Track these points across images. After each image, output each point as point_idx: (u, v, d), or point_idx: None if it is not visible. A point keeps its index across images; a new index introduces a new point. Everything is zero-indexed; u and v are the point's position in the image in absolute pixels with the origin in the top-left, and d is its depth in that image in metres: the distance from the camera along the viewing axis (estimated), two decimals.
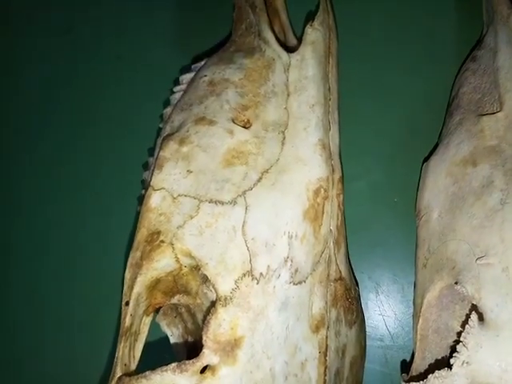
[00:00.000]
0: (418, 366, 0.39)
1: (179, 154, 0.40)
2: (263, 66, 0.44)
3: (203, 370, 0.33)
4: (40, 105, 0.58)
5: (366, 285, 0.48)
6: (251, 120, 0.41)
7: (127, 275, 0.38)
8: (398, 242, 0.48)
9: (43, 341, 0.53)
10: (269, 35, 0.45)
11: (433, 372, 0.35)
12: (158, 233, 0.38)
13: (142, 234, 0.39)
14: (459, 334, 0.37)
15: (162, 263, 0.38)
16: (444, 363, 0.38)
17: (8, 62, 0.60)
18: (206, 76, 0.44)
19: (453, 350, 0.37)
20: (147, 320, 0.40)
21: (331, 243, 0.40)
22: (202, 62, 0.48)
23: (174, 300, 0.41)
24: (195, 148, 0.40)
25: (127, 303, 0.37)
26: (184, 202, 0.38)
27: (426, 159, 0.45)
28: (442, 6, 0.52)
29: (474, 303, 0.35)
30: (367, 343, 0.47)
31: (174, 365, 0.33)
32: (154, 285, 0.39)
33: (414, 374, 0.39)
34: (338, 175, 0.43)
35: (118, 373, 0.36)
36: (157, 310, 0.42)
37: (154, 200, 0.39)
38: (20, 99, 0.59)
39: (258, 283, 0.35)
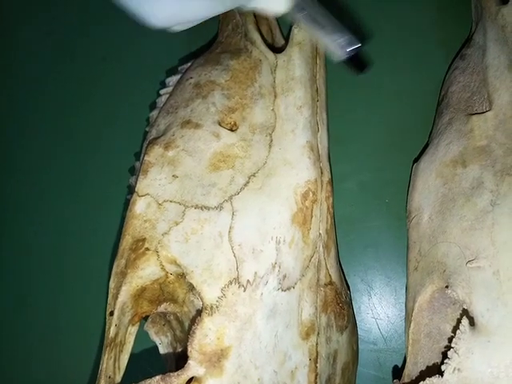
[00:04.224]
0: (410, 371, 0.39)
1: (164, 158, 0.39)
2: (250, 67, 0.43)
3: (189, 382, 0.32)
4: (24, 107, 0.57)
5: (359, 288, 0.48)
6: (238, 123, 0.40)
7: (111, 284, 0.38)
8: (391, 243, 0.48)
9: (26, 351, 0.52)
10: (255, 36, 0.44)
11: (424, 379, 0.34)
12: (143, 240, 0.38)
13: (126, 241, 0.38)
14: (451, 338, 0.37)
15: (147, 271, 0.37)
16: (436, 368, 0.37)
17: None
18: (191, 78, 0.44)
19: (445, 355, 0.37)
20: (133, 330, 0.39)
21: (321, 247, 0.40)
22: (189, 64, 0.47)
23: (161, 308, 0.40)
24: (181, 152, 0.39)
25: (111, 313, 0.37)
26: (169, 207, 0.38)
27: (417, 159, 0.44)
28: (429, 4, 0.51)
29: (465, 307, 0.34)
30: (360, 347, 0.46)
31: (158, 377, 0.32)
32: (140, 293, 0.38)
33: (406, 380, 0.38)
34: (326, 177, 0.42)
35: None
36: (144, 319, 0.42)
37: (139, 206, 0.39)
38: (3, 101, 0.58)
39: (244, 290, 0.34)
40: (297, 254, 0.37)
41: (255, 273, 0.35)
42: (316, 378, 0.37)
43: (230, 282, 0.34)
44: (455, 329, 0.38)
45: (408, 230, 0.43)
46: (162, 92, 0.47)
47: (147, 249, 0.37)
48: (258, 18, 0.47)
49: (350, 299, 0.45)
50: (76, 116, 0.56)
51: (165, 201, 0.38)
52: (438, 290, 0.38)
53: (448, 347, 0.36)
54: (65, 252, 0.53)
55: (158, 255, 0.36)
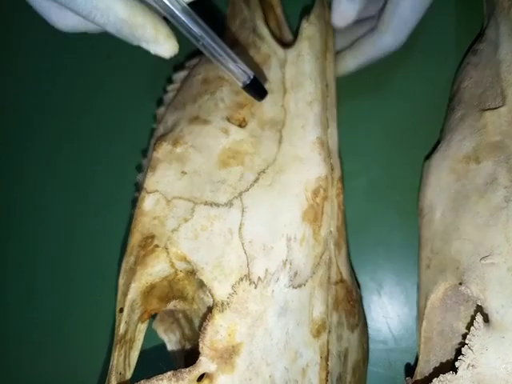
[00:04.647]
0: (423, 369, 0.38)
1: (173, 155, 0.39)
2: (258, 62, 0.43)
3: (200, 379, 0.32)
4: (29, 105, 0.57)
5: (369, 286, 0.47)
6: (247, 119, 0.40)
7: (121, 281, 0.37)
8: (401, 241, 0.47)
9: (35, 350, 0.52)
10: (264, 31, 0.44)
11: (437, 376, 0.34)
12: (152, 237, 0.37)
13: (135, 238, 0.38)
14: (464, 335, 0.37)
15: (156, 268, 0.37)
16: (449, 366, 0.37)
17: None
18: (199, 74, 0.43)
19: (458, 352, 0.36)
20: (142, 327, 0.39)
21: (331, 245, 0.39)
22: (196, 60, 0.47)
23: (170, 306, 0.40)
24: (189, 148, 0.39)
25: (121, 310, 0.36)
26: (178, 204, 0.37)
27: (428, 156, 0.44)
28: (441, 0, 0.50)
29: (479, 304, 0.34)
30: (370, 346, 0.46)
31: (169, 373, 0.32)
32: (149, 290, 0.37)
33: (419, 377, 0.38)
34: (337, 174, 0.42)
35: (113, 382, 0.35)
36: (152, 317, 0.41)
37: (148, 203, 0.38)
38: (8, 100, 0.58)
39: (255, 287, 0.34)
40: (308, 251, 0.37)
41: (266, 270, 0.35)
42: (327, 376, 0.36)
43: (241, 279, 0.34)
44: (468, 326, 0.38)
45: (420, 227, 0.42)
46: (169, 88, 0.47)
47: (156, 246, 0.37)
48: (266, 13, 0.47)
49: (361, 297, 0.45)
50: (82, 113, 0.56)
51: (174, 197, 0.38)
52: (451, 287, 0.37)
53: (461, 345, 0.36)
54: (73, 250, 0.53)
55: (168, 252, 0.36)
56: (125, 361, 0.36)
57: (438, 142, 0.43)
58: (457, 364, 0.33)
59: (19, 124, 0.57)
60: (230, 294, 0.34)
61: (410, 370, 0.44)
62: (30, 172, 0.56)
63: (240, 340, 0.33)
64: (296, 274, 0.36)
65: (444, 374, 0.33)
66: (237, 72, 0.34)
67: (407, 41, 0.45)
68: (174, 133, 0.40)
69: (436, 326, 0.39)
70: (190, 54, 0.51)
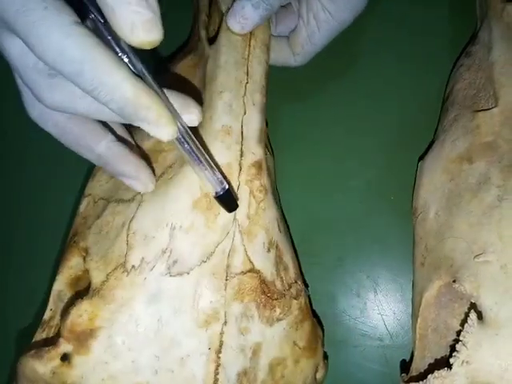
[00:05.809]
0: (418, 365, 0.39)
1: None
2: (193, 64, 0.44)
3: (65, 359, 0.34)
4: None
5: (365, 284, 0.48)
6: None
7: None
8: (396, 240, 0.48)
9: None
10: (202, 33, 0.45)
11: (432, 372, 0.34)
12: (75, 234, 0.40)
13: (68, 237, 0.41)
14: (458, 332, 0.37)
15: (73, 262, 0.39)
16: (443, 362, 0.38)
17: None
18: None
19: (452, 349, 0.37)
20: None
21: (236, 233, 0.38)
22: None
23: None
24: None
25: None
26: (100, 204, 0.40)
27: (422, 157, 0.44)
28: (434, 2, 0.51)
29: (473, 301, 0.35)
30: (366, 343, 0.47)
31: (33, 351, 0.35)
32: (76, 282, 0.40)
33: (414, 373, 0.38)
34: (250, 160, 0.40)
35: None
36: None
37: (82, 206, 0.42)
38: (9, 99, 0.57)
39: (127, 275, 0.35)
40: (195, 239, 0.37)
41: (142, 258, 0.36)
42: (217, 369, 0.36)
43: (116, 268, 0.36)
44: (462, 323, 0.38)
45: (414, 226, 0.43)
46: None
47: (75, 242, 0.40)
48: (211, 13, 0.47)
49: (305, 292, 0.43)
50: None
51: (99, 199, 0.41)
52: (445, 284, 0.38)
53: (455, 341, 0.37)
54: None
55: (78, 247, 0.39)
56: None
57: (432, 143, 0.44)
58: (451, 360, 0.34)
59: (15, 123, 0.56)
60: (102, 282, 0.35)
61: (405, 366, 0.45)
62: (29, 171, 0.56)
63: (99, 324, 0.34)
64: (176, 262, 0.36)
65: (439, 370, 0.34)
66: (212, 180, 0.35)
67: (402, 43, 0.46)
68: None
69: (431, 323, 0.39)
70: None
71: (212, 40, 0.44)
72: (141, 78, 0.29)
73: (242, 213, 0.38)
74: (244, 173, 0.39)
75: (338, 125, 0.48)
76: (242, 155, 0.39)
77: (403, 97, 0.50)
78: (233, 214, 0.38)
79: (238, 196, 0.38)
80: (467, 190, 0.38)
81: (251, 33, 0.43)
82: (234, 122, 0.40)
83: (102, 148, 0.35)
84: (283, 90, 0.51)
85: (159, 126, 0.29)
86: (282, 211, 0.47)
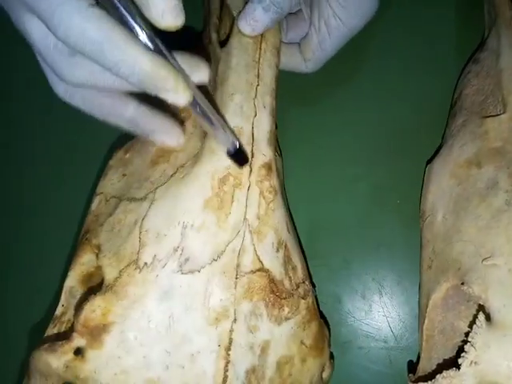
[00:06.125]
0: (424, 366, 0.39)
1: (122, 161, 0.44)
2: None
3: (79, 353, 0.34)
4: (23, 102, 0.56)
5: (370, 286, 0.48)
6: (185, 120, 0.42)
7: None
8: (402, 243, 0.48)
9: None
10: (213, 36, 0.45)
11: (440, 372, 0.35)
12: (87, 232, 0.41)
13: (80, 234, 0.42)
14: (465, 334, 0.38)
15: (85, 258, 0.40)
16: (450, 364, 0.38)
17: None
18: None
19: (459, 350, 0.37)
20: None
21: (246, 232, 0.39)
22: None
23: None
24: (135, 153, 0.43)
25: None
26: (112, 202, 0.41)
27: (430, 161, 0.45)
28: (443, 9, 0.52)
29: (481, 304, 0.35)
30: (371, 344, 0.47)
31: (47, 345, 0.35)
32: (88, 279, 0.40)
33: (421, 374, 0.39)
34: (260, 161, 0.40)
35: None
36: None
37: (94, 204, 0.43)
38: (6, 98, 0.58)
39: (140, 272, 0.36)
40: (206, 238, 0.37)
41: (154, 256, 0.36)
42: (227, 366, 0.37)
43: (129, 265, 0.36)
44: (469, 325, 0.38)
45: (421, 229, 0.43)
46: None
47: (87, 239, 0.40)
48: (222, 17, 0.48)
49: (313, 292, 0.43)
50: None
51: (111, 197, 0.42)
52: (453, 287, 0.38)
53: (462, 343, 0.37)
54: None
55: (91, 244, 0.39)
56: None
57: (440, 147, 0.45)
58: (460, 361, 0.34)
59: (15, 123, 0.56)
60: (115, 278, 0.36)
61: (412, 366, 0.45)
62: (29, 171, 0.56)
63: (112, 320, 0.35)
64: (187, 260, 0.36)
65: (447, 370, 0.34)
66: (224, 139, 0.36)
67: (410, 49, 0.46)
68: (131, 142, 0.45)
69: (437, 324, 0.40)
70: None
71: (223, 43, 0.44)
72: (157, 47, 0.31)
73: (252, 213, 0.39)
74: (254, 174, 0.40)
75: (345, 129, 0.48)
76: (252, 156, 0.40)
77: (411, 102, 0.51)
78: (243, 214, 0.38)
79: (249, 197, 0.39)
80: (475, 194, 0.39)
81: (262, 36, 0.43)
82: (245, 124, 0.40)
83: (130, 111, 0.36)
84: (292, 94, 0.52)
85: (177, 93, 0.31)
86: (290, 213, 0.47)
